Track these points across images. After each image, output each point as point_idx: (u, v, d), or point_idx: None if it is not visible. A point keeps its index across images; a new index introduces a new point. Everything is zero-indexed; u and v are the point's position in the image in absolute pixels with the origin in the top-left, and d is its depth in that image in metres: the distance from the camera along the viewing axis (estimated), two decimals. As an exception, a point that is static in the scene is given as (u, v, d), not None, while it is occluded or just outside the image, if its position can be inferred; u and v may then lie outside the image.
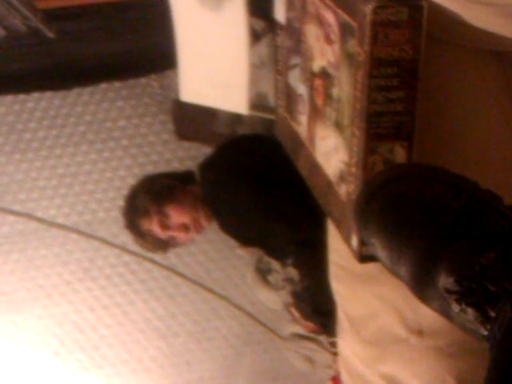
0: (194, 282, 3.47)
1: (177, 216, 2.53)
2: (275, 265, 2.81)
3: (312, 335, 2.95)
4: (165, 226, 2.53)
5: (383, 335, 1.43)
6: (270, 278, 2.87)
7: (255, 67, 2.18)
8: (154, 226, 2.53)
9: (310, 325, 2.88)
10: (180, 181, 2.58)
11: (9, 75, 2.98)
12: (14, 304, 3.51)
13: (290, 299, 2.84)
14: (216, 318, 3.56)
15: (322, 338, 2.90)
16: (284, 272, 2.77)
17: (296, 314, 2.88)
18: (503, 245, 0.92)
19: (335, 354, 2.70)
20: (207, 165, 2.53)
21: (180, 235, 2.59)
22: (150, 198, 2.51)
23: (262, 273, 2.89)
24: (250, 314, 3.51)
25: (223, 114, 2.73)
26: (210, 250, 3.35)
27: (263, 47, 2.27)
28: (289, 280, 2.77)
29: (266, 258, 2.83)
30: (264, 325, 3.51)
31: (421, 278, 0.97)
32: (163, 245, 2.63)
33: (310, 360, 3.02)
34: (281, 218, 2.35)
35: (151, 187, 2.54)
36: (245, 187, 2.35)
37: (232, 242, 2.74)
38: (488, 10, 1.06)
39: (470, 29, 1.11)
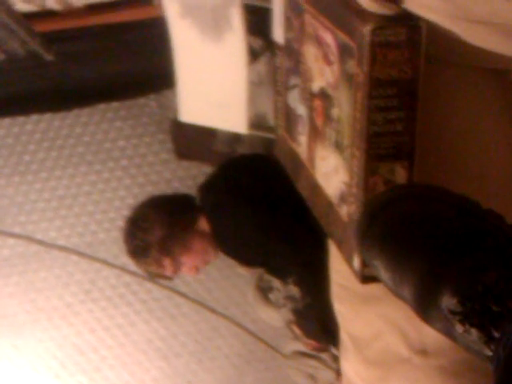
0: (195, 301, 3.46)
1: (189, 261, 2.55)
2: (276, 283, 2.81)
3: (314, 353, 2.94)
4: (177, 270, 2.57)
5: (387, 355, 1.42)
6: (271, 296, 2.86)
7: (254, 85, 2.18)
8: (166, 271, 2.56)
9: (312, 342, 2.87)
10: (185, 217, 2.55)
11: (8, 98, 2.99)
12: (14, 327, 3.50)
13: (291, 317, 2.84)
14: (218, 337, 3.55)
15: (324, 356, 2.90)
16: (285, 290, 2.77)
17: (298, 331, 2.88)
18: (505, 264, 0.92)
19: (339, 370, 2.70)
20: (207, 186, 2.53)
21: (190, 274, 2.63)
22: (164, 253, 2.51)
23: (263, 291, 2.88)
24: (251, 333, 3.50)
25: (222, 133, 2.73)
26: (210, 268, 3.33)
27: (262, 66, 2.28)
28: (290, 298, 2.76)
29: (267, 276, 2.83)
30: (266, 343, 3.50)
31: (424, 299, 0.97)
32: (170, 278, 2.67)
33: (312, 377, 3.01)
34: (282, 239, 2.35)
35: (164, 239, 2.52)
36: (245, 208, 2.35)
37: (233, 261, 2.74)
38: (486, 29, 1.06)
39: (468, 47, 1.11)
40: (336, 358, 2.70)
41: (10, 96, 2.98)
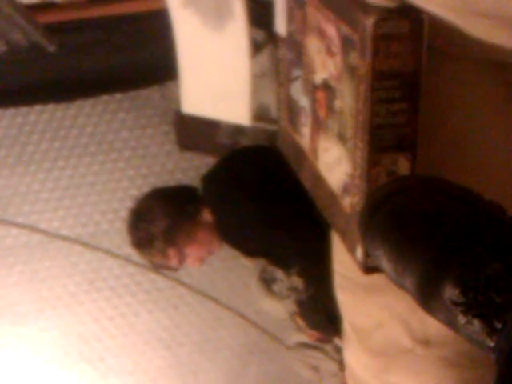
0: (199, 292, 3.47)
1: (194, 252, 2.56)
2: (279, 274, 2.81)
3: (317, 344, 2.95)
4: (181, 261, 2.57)
5: (389, 345, 1.43)
6: (275, 287, 2.87)
7: (256, 78, 2.18)
8: (171, 262, 2.57)
9: (315, 333, 2.88)
10: (189, 208, 2.56)
11: (11, 89, 2.99)
12: (18, 316, 3.51)
13: (294, 308, 2.85)
14: (221, 327, 3.56)
15: (328, 347, 2.91)
16: (288, 281, 2.78)
17: (301, 322, 2.89)
18: (508, 256, 0.93)
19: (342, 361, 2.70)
20: (210, 178, 2.54)
21: (195, 265, 2.64)
22: (169, 244, 2.52)
23: (267, 282, 2.89)
24: (255, 324, 3.51)
25: (225, 124, 2.74)
26: (214, 259, 3.34)
27: (264, 58, 2.28)
28: (294, 289, 2.77)
29: (271, 268, 2.83)
30: (269, 334, 3.52)
31: (426, 290, 0.98)
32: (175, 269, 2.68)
33: (316, 369, 3.02)
34: (284, 230, 2.36)
35: (168, 230, 2.52)
36: (248, 199, 2.35)
37: (236, 252, 2.75)
38: (490, 22, 1.07)
39: (471, 40, 1.12)
40: (339, 349, 2.70)
41: (13, 87, 2.99)
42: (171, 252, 2.53)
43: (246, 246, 2.60)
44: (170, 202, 2.55)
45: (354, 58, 1.12)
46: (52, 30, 2.54)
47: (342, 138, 1.24)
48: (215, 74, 2.14)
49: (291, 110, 1.52)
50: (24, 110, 3.27)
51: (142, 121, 3.31)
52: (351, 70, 1.14)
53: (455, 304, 0.93)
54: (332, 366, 2.89)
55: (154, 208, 2.54)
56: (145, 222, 2.53)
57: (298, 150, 1.50)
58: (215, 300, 3.49)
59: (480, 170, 1.23)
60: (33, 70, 2.89)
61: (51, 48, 2.50)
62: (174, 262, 2.57)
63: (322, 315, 2.62)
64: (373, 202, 1.10)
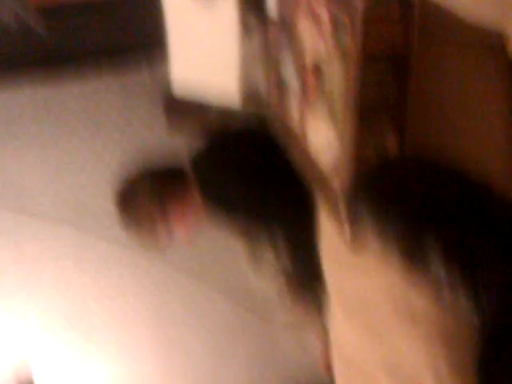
0: (190, 273, 3.48)
1: (183, 230, 2.57)
2: (269, 254, 2.83)
3: (305, 324, 2.97)
4: (170, 240, 2.58)
5: (376, 322, 1.45)
6: (264, 268, 2.89)
7: (247, 61, 2.19)
8: (159, 241, 2.58)
9: (304, 313, 2.90)
10: (177, 188, 2.57)
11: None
12: (5, 299, 3.51)
13: (283, 288, 2.86)
14: (210, 306, 3.57)
15: (315, 328, 2.93)
16: (277, 262, 2.79)
17: (290, 302, 2.90)
18: (494, 234, 0.95)
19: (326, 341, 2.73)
20: (199, 160, 2.54)
21: (183, 242, 2.65)
22: (157, 222, 2.53)
23: (256, 262, 2.90)
24: (243, 304, 3.52)
25: (215, 107, 2.74)
26: (203, 240, 3.35)
27: (255, 41, 2.29)
28: (282, 270, 2.78)
29: (260, 248, 2.85)
30: (258, 314, 3.53)
31: (413, 267, 1.00)
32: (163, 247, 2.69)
33: (304, 349, 3.04)
34: (274, 211, 2.37)
35: (156, 209, 2.53)
36: (237, 181, 2.36)
37: (227, 234, 2.75)
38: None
39: (461, 23, 1.13)
40: (326, 329, 2.73)
41: (1, 68, 2.98)
42: (160, 231, 2.54)
43: (234, 227, 2.61)
44: (159, 181, 2.56)
45: (345, 40, 1.14)
46: (42, 12, 2.53)
47: (331, 119, 1.26)
48: (206, 57, 2.14)
49: (281, 92, 1.54)
50: (13, 93, 3.25)
51: (132, 103, 3.30)
52: (342, 52, 1.16)
53: (442, 281, 0.95)
54: (319, 347, 2.92)
55: (142, 187, 2.55)
56: (133, 201, 2.54)
57: (288, 132, 1.52)
58: (204, 280, 3.50)
59: (472, 151, 1.24)
60: (22, 51, 2.88)
61: (41, 31, 2.50)
62: (162, 240, 2.57)
63: (310, 295, 2.64)
64: (361, 182, 1.12)
